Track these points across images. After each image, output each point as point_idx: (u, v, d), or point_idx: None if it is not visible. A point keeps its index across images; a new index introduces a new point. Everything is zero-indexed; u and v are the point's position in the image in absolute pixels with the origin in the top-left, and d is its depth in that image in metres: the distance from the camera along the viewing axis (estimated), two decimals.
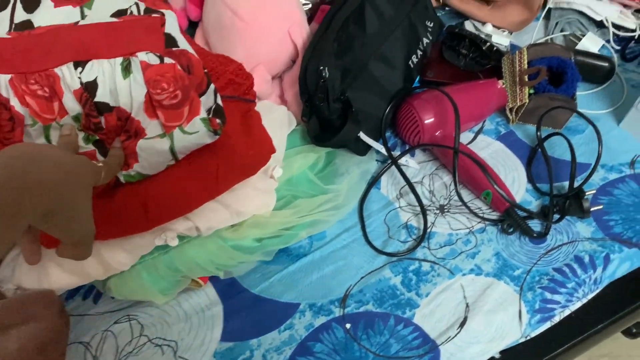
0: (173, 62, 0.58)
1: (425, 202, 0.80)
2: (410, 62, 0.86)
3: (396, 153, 0.84)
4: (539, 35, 1.02)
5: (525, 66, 0.87)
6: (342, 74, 0.77)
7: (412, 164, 0.84)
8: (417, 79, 0.93)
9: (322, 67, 0.72)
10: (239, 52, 0.80)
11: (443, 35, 0.95)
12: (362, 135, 0.78)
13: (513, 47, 1.00)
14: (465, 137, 0.87)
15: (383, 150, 0.81)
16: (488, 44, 0.91)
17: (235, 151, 0.61)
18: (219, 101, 0.60)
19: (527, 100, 0.84)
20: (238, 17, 0.76)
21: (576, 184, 0.78)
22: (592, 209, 0.77)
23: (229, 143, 0.60)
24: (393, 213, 0.79)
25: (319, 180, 0.77)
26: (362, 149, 0.81)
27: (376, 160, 0.84)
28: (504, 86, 0.88)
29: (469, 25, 1.00)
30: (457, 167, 0.78)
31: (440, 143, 0.81)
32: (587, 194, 0.78)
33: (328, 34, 0.75)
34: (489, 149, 0.86)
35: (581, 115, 0.80)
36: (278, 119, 0.76)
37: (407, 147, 0.86)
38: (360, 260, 0.74)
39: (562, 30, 1.00)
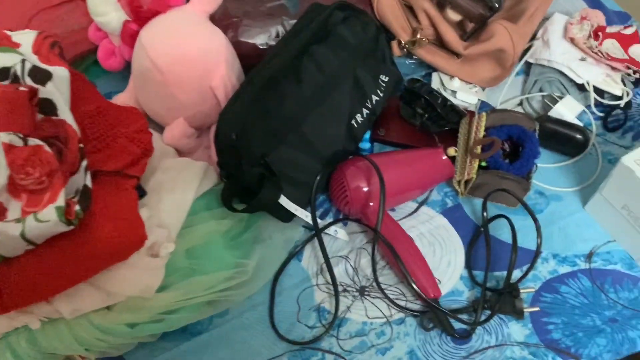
0: (40, 143, 0.54)
1: (346, 281, 0.73)
2: (353, 122, 0.79)
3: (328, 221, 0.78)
4: (514, 93, 0.93)
5: (481, 134, 0.79)
6: (266, 136, 0.71)
7: (341, 235, 0.77)
8: (368, 135, 0.86)
9: (231, 133, 0.66)
10: (157, 103, 0.75)
11: (402, 90, 0.87)
12: (282, 200, 0.72)
13: (484, 106, 0.91)
14: (408, 207, 0.80)
15: (306, 218, 0.74)
16: (446, 104, 0.83)
17: (100, 236, 0.56)
18: (89, 182, 0.56)
19: (475, 176, 0.75)
20: (157, 68, 0.71)
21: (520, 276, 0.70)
22: (526, 310, 0.68)
23: (94, 226, 0.56)
24: (308, 291, 0.72)
25: (232, 248, 0.71)
26: (286, 216, 0.75)
27: (303, 226, 0.78)
28: (456, 154, 0.80)
29: (435, 79, 0.92)
30: (381, 248, 0.71)
31: (371, 216, 0.74)
32: (522, 291, 0.69)
33: (248, 92, 0.69)
34: (431, 224, 0.78)
35: (524, 205, 0.70)
36: (187, 179, 0.70)
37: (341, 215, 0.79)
38: (260, 345, 0.68)
39: (540, 90, 0.90)
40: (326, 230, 0.75)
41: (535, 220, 0.68)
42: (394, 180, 0.74)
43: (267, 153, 0.70)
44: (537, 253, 0.67)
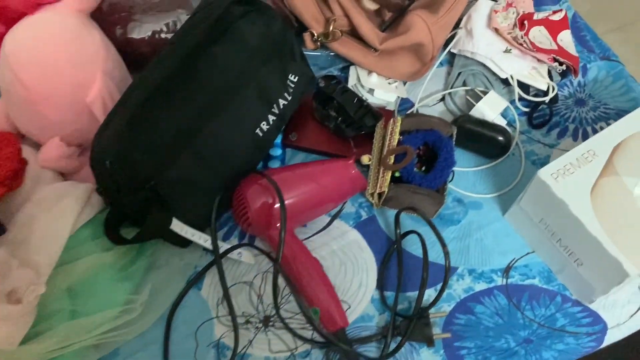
0: None
1: (250, 310, 0.68)
2: (258, 131, 0.71)
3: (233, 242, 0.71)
4: (436, 86, 0.87)
5: (396, 140, 0.73)
6: (150, 157, 0.62)
7: (245, 258, 0.71)
8: (279, 140, 0.79)
9: (105, 159, 0.59)
10: (26, 121, 0.66)
11: (315, 89, 0.80)
12: (175, 226, 0.65)
13: (404, 103, 0.85)
14: (321, 221, 0.74)
15: (205, 243, 0.68)
16: (362, 105, 0.76)
17: None
18: None
19: (387, 190, 0.70)
20: (20, 82, 0.62)
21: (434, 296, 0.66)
22: (436, 337, 0.65)
23: None
24: (207, 325, 0.67)
25: (123, 280, 0.65)
26: (183, 241, 0.68)
27: (204, 249, 0.72)
28: (369, 162, 0.74)
29: (353, 74, 0.85)
30: (287, 273, 0.66)
31: (275, 238, 0.68)
32: (432, 317, 0.65)
33: (125, 110, 0.61)
34: (343, 240, 0.73)
35: (432, 227, 0.65)
36: (65, 208, 0.62)
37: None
38: None
39: (464, 84, 0.84)
40: (229, 255, 0.69)
41: (443, 246, 0.63)
42: (301, 198, 0.69)
43: (152, 176, 0.63)
44: (444, 281, 0.62)
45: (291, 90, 0.75)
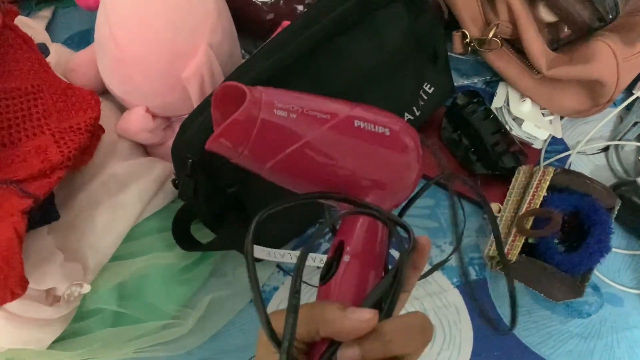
0: None
1: None
2: None
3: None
4: (600, 131, 0.69)
5: (540, 199, 0.58)
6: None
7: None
8: None
9: (187, 156, 0.48)
10: (114, 82, 0.57)
11: (450, 103, 0.66)
12: (257, 252, 0.55)
13: (554, 142, 0.69)
14: None
15: (285, 259, 0.57)
16: (498, 141, 0.61)
17: None
18: None
19: (514, 259, 0.56)
20: (113, 39, 0.52)
21: None
22: None
23: None
24: None
25: (180, 284, 0.56)
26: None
27: (278, 267, 0.61)
28: (500, 214, 0.60)
29: (501, 92, 0.69)
30: None
31: None
32: None
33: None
34: (440, 300, 0.60)
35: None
36: (133, 194, 0.53)
37: None
38: None
39: (639, 138, 0.67)
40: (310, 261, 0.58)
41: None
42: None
43: (235, 181, 0.52)
44: None
45: (422, 104, 0.61)
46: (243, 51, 0.66)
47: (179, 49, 0.52)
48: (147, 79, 0.53)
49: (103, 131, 0.54)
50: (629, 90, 0.66)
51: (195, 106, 0.55)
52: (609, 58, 0.59)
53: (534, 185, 0.59)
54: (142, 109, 0.56)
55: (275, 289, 0.61)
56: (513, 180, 0.61)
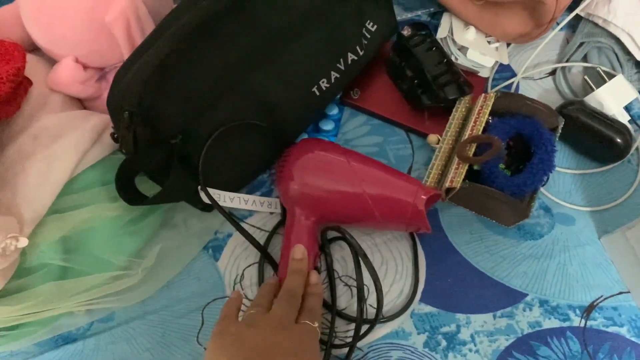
0: None
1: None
2: (315, 89, 0.58)
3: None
4: (548, 55, 0.69)
5: (482, 125, 0.58)
6: (181, 108, 0.51)
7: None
8: (339, 97, 0.65)
9: (124, 107, 0.47)
10: (38, 31, 0.55)
11: (396, 37, 0.64)
12: (211, 192, 0.55)
13: (502, 70, 0.68)
14: None
15: (244, 206, 0.58)
16: (448, 70, 0.60)
17: None
18: None
19: (458, 186, 0.55)
20: None
21: None
22: None
23: None
24: (219, 304, 0.57)
25: (128, 235, 0.56)
26: (207, 205, 0.57)
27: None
28: (438, 145, 0.59)
29: (445, 23, 0.68)
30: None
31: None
32: None
33: (156, 50, 0.48)
34: (390, 232, 0.60)
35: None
36: (67, 145, 0.52)
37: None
38: None
39: (585, 59, 0.66)
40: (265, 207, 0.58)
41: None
42: (339, 199, 0.55)
43: (178, 130, 0.51)
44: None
45: (365, 42, 0.60)
46: None
47: None
48: (69, 25, 0.52)
49: (31, 84, 0.52)
50: (571, 10, 0.65)
51: (124, 52, 0.54)
52: None
53: (476, 112, 0.58)
54: (71, 60, 0.54)
55: (229, 235, 0.61)
56: (453, 110, 0.61)
